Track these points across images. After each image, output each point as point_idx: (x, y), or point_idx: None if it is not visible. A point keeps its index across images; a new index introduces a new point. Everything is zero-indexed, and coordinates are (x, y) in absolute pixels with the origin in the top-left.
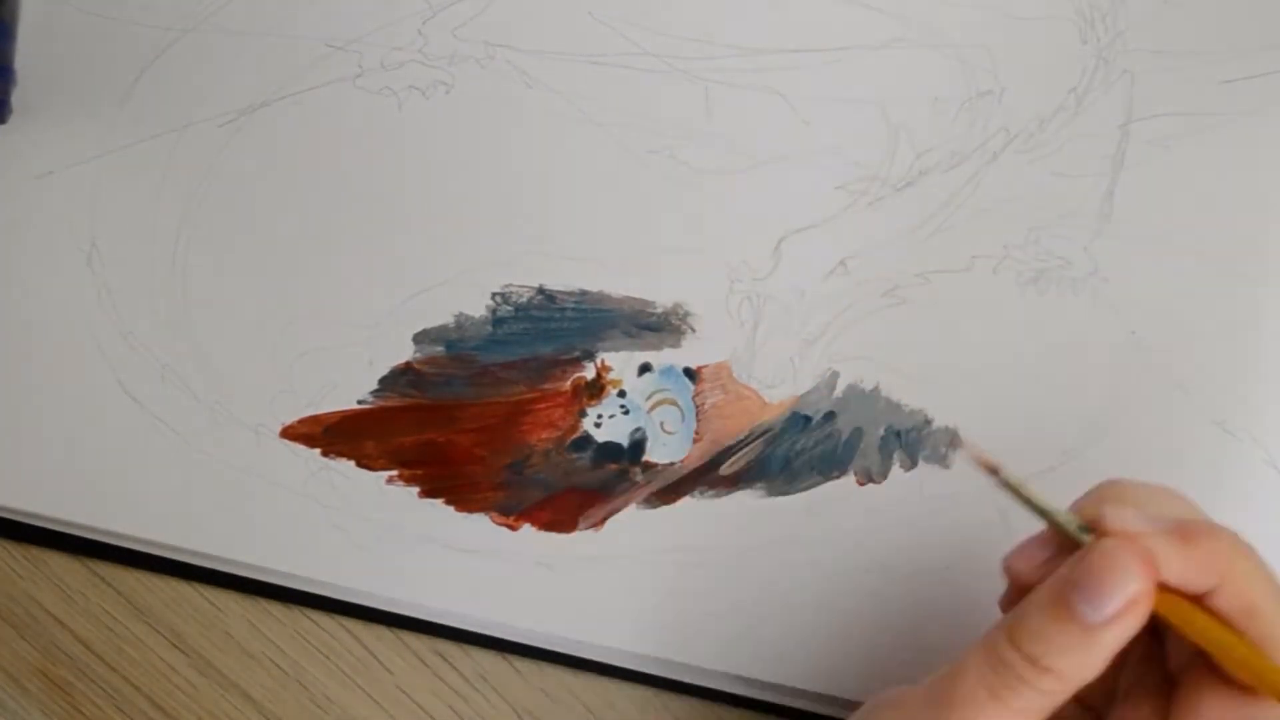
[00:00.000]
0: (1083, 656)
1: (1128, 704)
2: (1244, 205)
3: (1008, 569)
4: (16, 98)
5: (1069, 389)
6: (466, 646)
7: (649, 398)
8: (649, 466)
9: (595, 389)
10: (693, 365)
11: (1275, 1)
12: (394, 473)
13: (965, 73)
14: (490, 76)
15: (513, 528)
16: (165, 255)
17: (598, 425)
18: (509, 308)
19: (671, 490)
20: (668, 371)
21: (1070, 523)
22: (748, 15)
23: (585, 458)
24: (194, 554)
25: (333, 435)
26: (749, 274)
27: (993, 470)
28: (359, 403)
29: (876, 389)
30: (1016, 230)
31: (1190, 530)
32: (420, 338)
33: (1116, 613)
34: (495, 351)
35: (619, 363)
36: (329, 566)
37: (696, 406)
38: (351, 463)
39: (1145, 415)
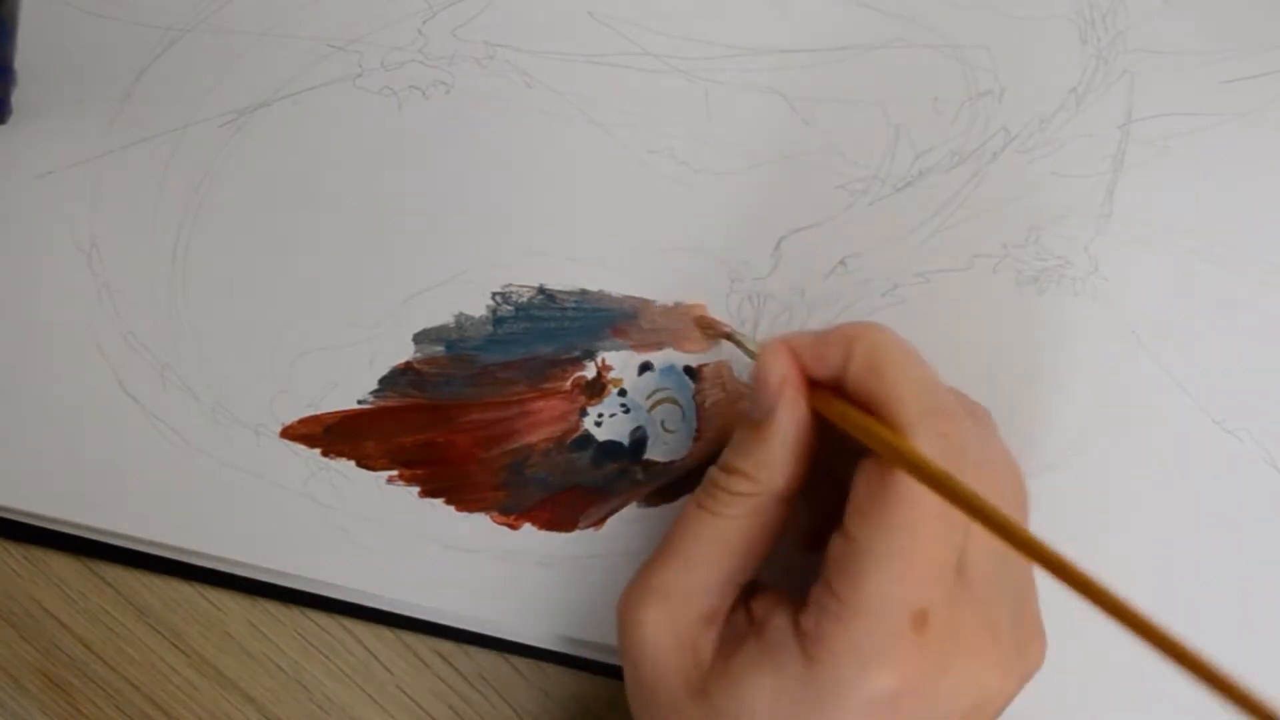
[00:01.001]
0: (760, 453)
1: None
2: (1243, 205)
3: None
4: (16, 98)
5: (1069, 389)
6: (466, 646)
7: (649, 397)
8: (650, 465)
9: (595, 388)
10: (693, 364)
11: (1275, 1)
12: (394, 473)
13: (965, 73)
14: (490, 76)
15: (513, 528)
16: (165, 256)
17: (598, 424)
18: (509, 308)
19: (672, 489)
20: (668, 371)
21: (749, 346)
22: (748, 15)
23: (585, 457)
24: (194, 554)
25: (333, 435)
26: (749, 274)
27: (726, 336)
28: (359, 403)
29: None
30: (1016, 230)
31: (826, 332)
32: (420, 338)
33: (770, 403)
34: (495, 351)
35: (619, 362)
36: (329, 566)
37: (697, 405)
38: (351, 463)
39: (1145, 415)
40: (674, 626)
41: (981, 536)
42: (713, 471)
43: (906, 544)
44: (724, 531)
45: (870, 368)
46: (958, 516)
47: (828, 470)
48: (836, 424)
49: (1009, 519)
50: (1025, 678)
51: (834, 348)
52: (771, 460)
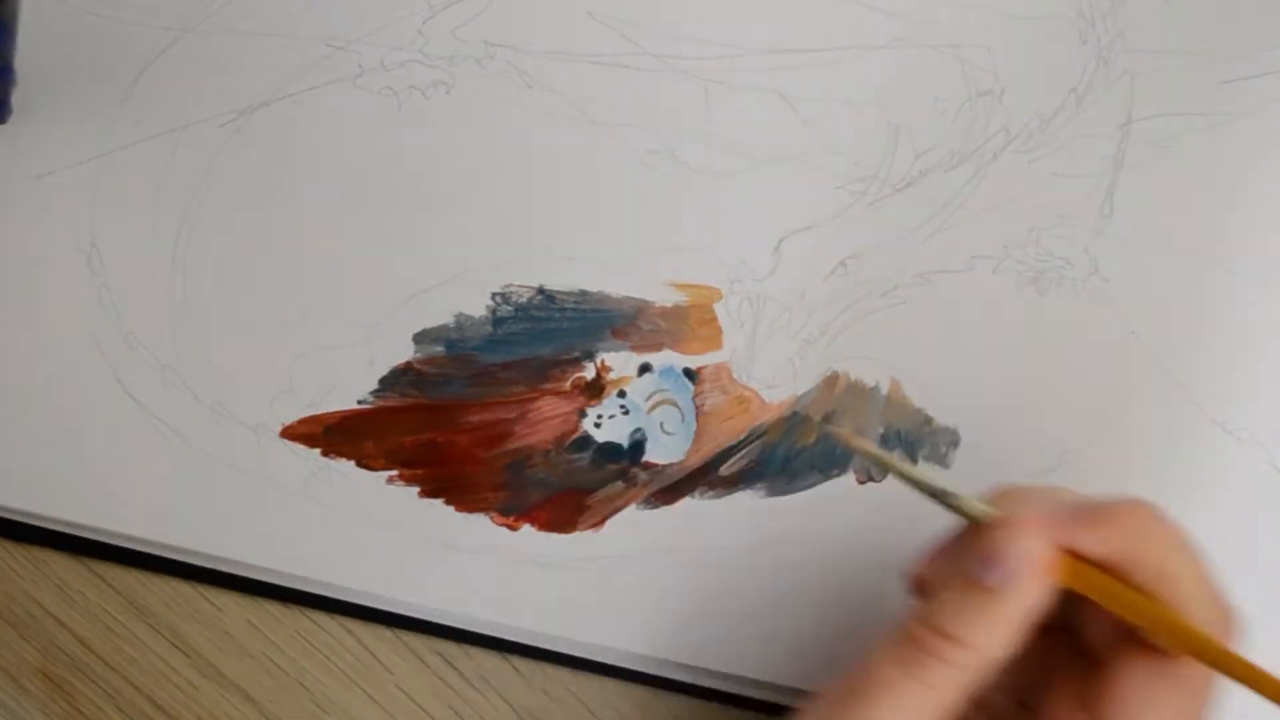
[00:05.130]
0: (990, 625)
1: (1053, 693)
2: (1244, 205)
3: (914, 580)
4: (16, 98)
5: (1069, 389)
6: (466, 646)
7: (649, 398)
8: (649, 467)
9: (595, 389)
10: (692, 366)
11: (1275, 1)
12: (394, 473)
13: (965, 73)
14: (490, 76)
15: (513, 528)
16: (165, 255)
17: (597, 425)
18: (509, 308)
19: (671, 491)
20: (667, 372)
21: (973, 506)
22: (748, 15)
23: (585, 458)
24: (194, 554)
25: (333, 435)
26: (749, 274)
27: (933, 495)
28: (359, 403)
29: (876, 388)
30: (1016, 230)
31: (1097, 506)
32: (420, 338)
33: (1015, 573)
34: (495, 351)
35: (619, 363)
36: (329, 566)
37: (696, 407)
38: (351, 463)
39: (1145, 415)
40: None
41: None
42: (920, 632)
43: None
44: (933, 703)
45: (1159, 573)
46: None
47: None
48: (1094, 599)
49: None
50: None
51: (1105, 528)
52: (1002, 633)
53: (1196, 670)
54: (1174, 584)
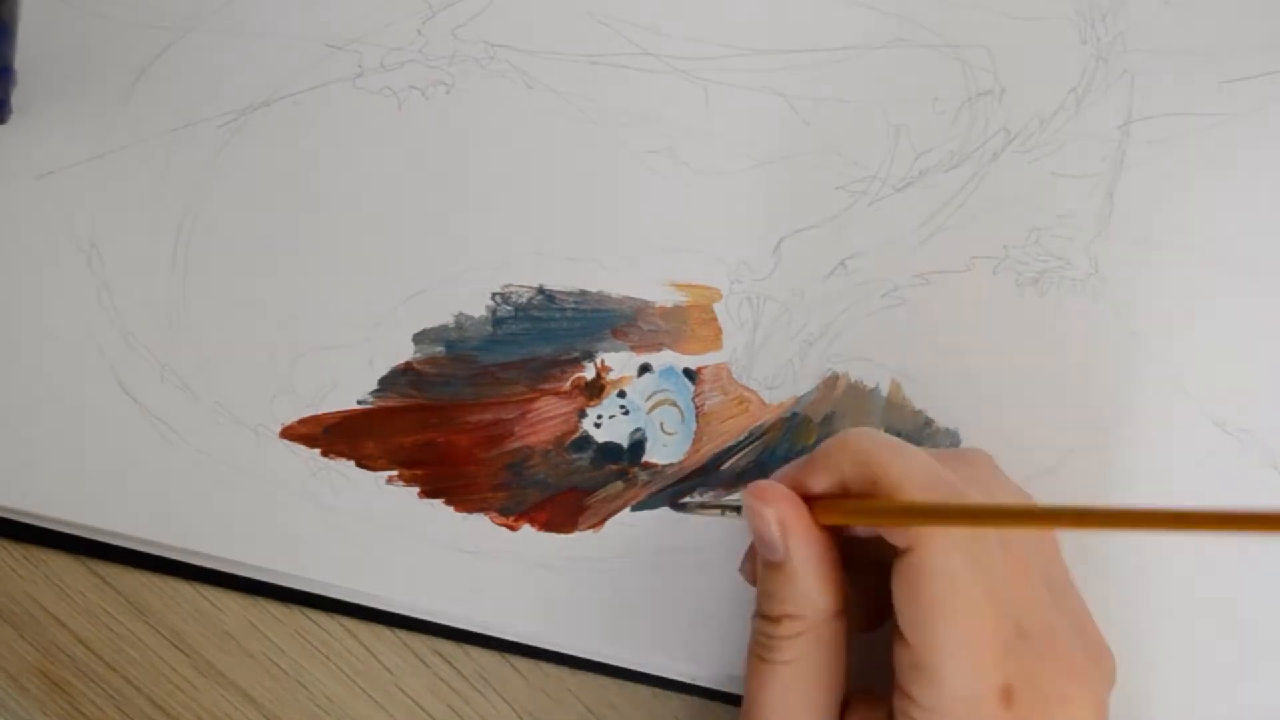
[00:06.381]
0: (793, 590)
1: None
2: (1244, 205)
3: (744, 574)
4: (16, 98)
5: (1069, 389)
6: (466, 646)
7: (649, 398)
8: (649, 467)
9: (595, 389)
10: (692, 366)
11: (1275, 1)
12: (394, 473)
13: (965, 73)
14: (490, 76)
15: (512, 528)
16: (165, 256)
17: (597, 426)
18: (509, 308)
19: (672, 492)
20: (667, 372)
21: (733, 501)
22: (748, 15)
23: (585, 458)
24: (194, 554)
25: (333, 435)
26: (749, 274)
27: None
28: (359, 403)
29: (876, 389)
30: (1016, 230)
31: (814, 452)
32: (420, 338)
33: (779, 544)
34: (495, 351)
35: (619, 363)
36: (329, 566)
37: (696, 407)
38: (351, 463)
39: (1145, 415)
40: None
41: (1025, 589)
42: (758, 624)
43: (966, 634)
44: (796, 676)
45: (864, 464)
46: (1001, 588)
47: (863, 555)
48: (851, 524)
49: (1036, 505)
50: (1109, 691)
51: (822, 465)
52: (808, 590)
53: (919, 554)
54: (885, 478)
